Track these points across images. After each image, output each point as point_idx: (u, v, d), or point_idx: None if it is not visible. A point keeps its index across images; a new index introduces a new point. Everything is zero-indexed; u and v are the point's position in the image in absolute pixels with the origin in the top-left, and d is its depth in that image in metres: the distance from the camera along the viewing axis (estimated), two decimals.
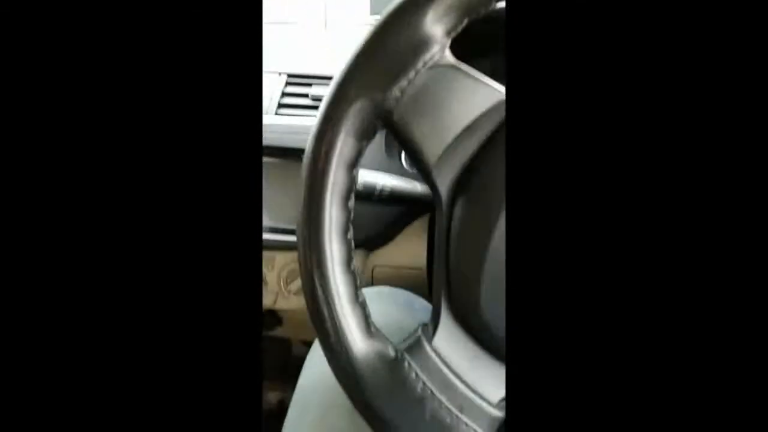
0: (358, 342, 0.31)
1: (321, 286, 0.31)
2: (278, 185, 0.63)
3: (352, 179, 0.32)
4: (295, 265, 0.65)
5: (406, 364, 0.32)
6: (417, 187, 0.54)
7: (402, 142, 0.33)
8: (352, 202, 0.32)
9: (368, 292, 0.52)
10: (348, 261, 0.32)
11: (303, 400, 0.45)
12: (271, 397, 0.85)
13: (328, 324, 0.31)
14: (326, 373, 0.44)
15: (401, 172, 0.58)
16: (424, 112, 0.31)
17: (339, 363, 0.31)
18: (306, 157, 0.32)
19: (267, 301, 0.68)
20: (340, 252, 0.31)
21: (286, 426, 0.45)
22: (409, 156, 0.34)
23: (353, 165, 0.32)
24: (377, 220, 0.59)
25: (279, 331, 0.85)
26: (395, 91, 0.30)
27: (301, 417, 0.44)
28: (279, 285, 0.67)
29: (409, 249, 0.63)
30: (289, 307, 0.68)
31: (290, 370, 0.92)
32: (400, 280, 0.62)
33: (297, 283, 0.66)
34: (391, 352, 0.32)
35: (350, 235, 0.32)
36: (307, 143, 0.32)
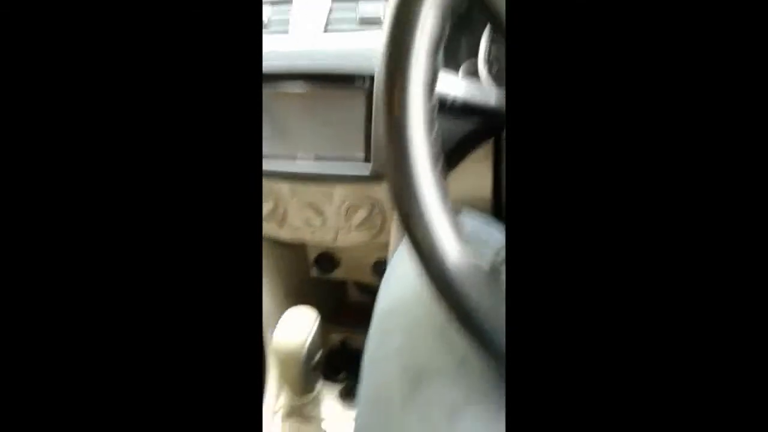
0: (454, 251, 0.28)
1: (410, 186, 0.28)
2: (328, 114, 0.59)
3: (435, 67, 0.28)
4: (356, 199, 0.62)
5: (500, 277, 0.29)
6: (491, 98, 0.49)
7: (496, 23, 0.29)
8: (435, 95, 0.29)
9: None
10: (436, 159, 0.29)
11: (384, 325, 0.43)
12: (333, 338, 0.85)
13: (422, 229, 0.28)
14: (407, 295, 0.42)
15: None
16: None
17: (436, 271, 0.29)
18: (385, 37, 0.28)
19: (327, 237, 0.66)
20: (427, 149, 0.28)
21: (368, 357, 0.43)
22: (491, 23, 0.29)
23: (437, 48, 0.28)
24: (445, 138, 0.55)
25: (336, 274, 0.84)
26: None
27: (385, 343, 0.41)
28: (339, 219, 0.64)
29: (472, 177, 0.59)
30: (352, 243, 0.66)
31: (347, 313, 0.92)
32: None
33: (359, 216, 0.63)
34: (485, 264, 0.29)
35: (436, 131, 0.29)
36: (385, 20, 0.29)
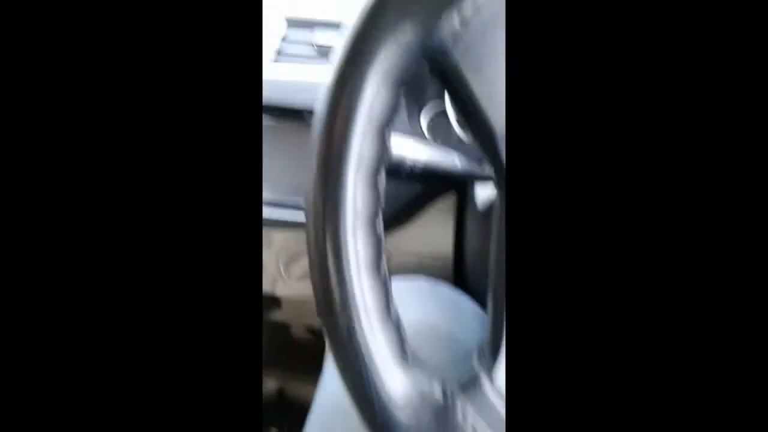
0: (392, 378, 0.23)
1: (341, 298, 0.22)
2: (276, 151, 0.52)
3: (383, 146, 0.23)
4: (297, 247, 0.56)
5: (459, 413, 0.23)
6: (456, 161, 0.44)
7: (456, 99, 0.23)
8: (383, 180, 0.23)
9: (401, 287, 0.42)
10: (377, 262, 0.23)
11: (324, 420, 0.37)
12: (270, 385, 0.78)
13: (351, 352, 0.22)
14: (345, 402, 0.36)
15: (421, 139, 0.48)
16: (495, 54, 0.22)
17: (368, 409, 0.23)
18: (320, 115, 0.23)
19: (264, 285, 0.59)
20: (366, 250, 0.23)
21: None
22: (466, 118, 0.24)
23: (385, 125, 0.23)
24: (395, 197, 0.49)
25: (277, 315, 0.77)
26: (454, 20, 0.21)
27: None
28: (278, 268, 0.57)
29: (431, 233, 0.54)
30: (291, 294, 0.59)
31: (289, 357, 0.85)
32: (420, 272, 0.52)
33: (300, 267, 0.56)
34: (438, 393, 0.23)
35: (380, 226, 0.23)
36: (322, 94, 0.23)
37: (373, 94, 0.22)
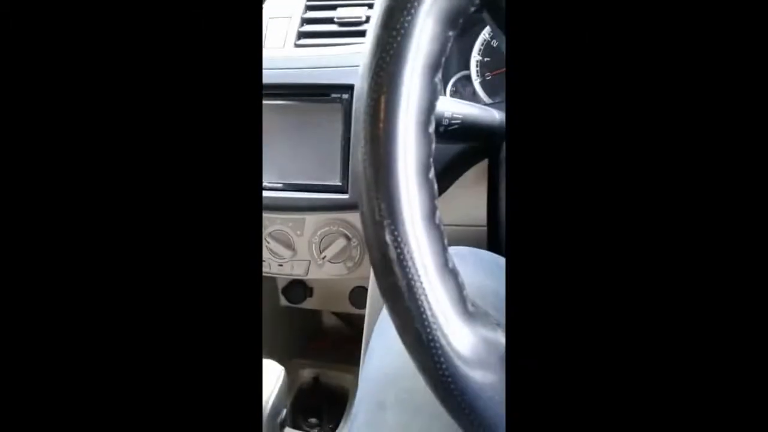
0: (457, 330, 0.22)
1: (397, 255, 0.21)
2: (300, 132, 0.52)
3: (435, 89, 0.22)
4: (329, 229, 0.55)
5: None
6: (495, 116, 0.43)
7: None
8: (433, 125, 0.22)
9: None
10: (432, 211, 0.22)
11: (376, 397, 0.36)
12: (305, 374, 0.77)
13: (412, 309, 0.21)
14: (401, 367, 0.35)
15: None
16: None
17: (433, 367, 0.22)
18: (367, 56, 0.22)
19: (298, 270, 0.59)
20: (421, 198, 0.22)
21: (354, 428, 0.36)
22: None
23: (436, 67, 0.22)
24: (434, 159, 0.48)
25: (309, 303, 0.76)
26: None
27: (377, 420, 0.34)
28: (311, 252, 0.57)
29: (465, 201, 0.53)
30: (325, 277, 0.59)
31: (322, 343, 0.84)
32: (457, 242, 0.51)
33: (333, 249, 0.56)
34: (502, 338, 0.22)
35: (432, 173, 0.22)
36: (369, 33, 0.22)
37: (424, 33, 0.21)
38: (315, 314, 0.86)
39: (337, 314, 0.85)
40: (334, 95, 0.50)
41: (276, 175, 0.52)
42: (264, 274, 0.62)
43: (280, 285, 0.75)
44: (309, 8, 0.54)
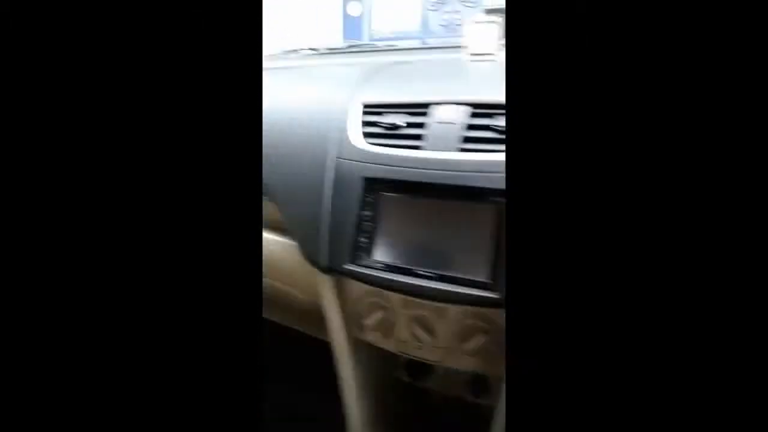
0: None
1: None
2: (461, 228, 0.55)
3: None
4: (473, 322, 0.57)
5: None
6: None
7: None
8: None
9: None
10: None
11: None
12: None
13: None
14: None
15: None
16: None
17: None
18: None
19: (434, 356, 0.61)
20: None
21: None
22: None
23: None
24: None
25: (426, 382, 0.77)
26: None
27: None
28: (453, 340, 0.59)
29: None
30: (459, 366, 0.60)
31: (428, 427, 0.84)
32: None
33: (475, 342, 0.57)
34: None
35: None
36: None
37: None
38: (429, 395, 0.87)
39: (450, 399, 0.85)
40: (489, 199, 0.53)
41: (430, 265, 0.56)
42: (400, 353, 0.65)
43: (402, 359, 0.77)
44: (474, 115, 0.58)
